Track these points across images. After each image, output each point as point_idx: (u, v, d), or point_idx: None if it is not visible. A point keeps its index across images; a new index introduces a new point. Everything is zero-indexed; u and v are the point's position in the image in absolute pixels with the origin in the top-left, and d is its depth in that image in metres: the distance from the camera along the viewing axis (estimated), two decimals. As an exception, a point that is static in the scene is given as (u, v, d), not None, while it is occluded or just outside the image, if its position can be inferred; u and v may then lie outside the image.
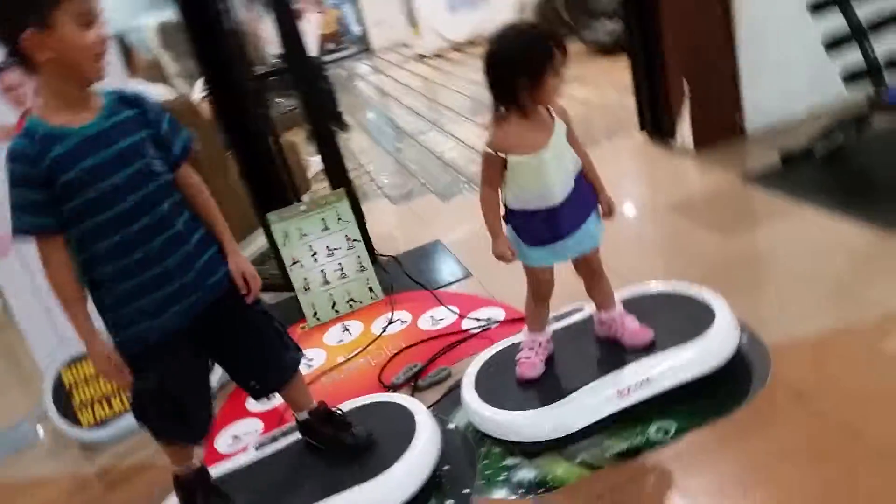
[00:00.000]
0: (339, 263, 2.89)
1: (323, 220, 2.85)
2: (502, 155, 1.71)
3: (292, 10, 3.00)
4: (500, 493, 1.75)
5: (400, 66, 9.39)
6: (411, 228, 3.77)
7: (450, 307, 2.69)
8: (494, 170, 1.74)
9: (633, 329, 1.95)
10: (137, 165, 1.46)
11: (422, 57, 9.27)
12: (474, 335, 2.46)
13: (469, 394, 1.97)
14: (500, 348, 2.12)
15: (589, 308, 2.13)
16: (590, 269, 1.94)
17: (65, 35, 1.33)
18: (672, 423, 1.79)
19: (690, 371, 1.84)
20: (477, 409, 1.91)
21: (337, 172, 3.07)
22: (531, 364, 1.94)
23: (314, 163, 5.02)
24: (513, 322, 2.44)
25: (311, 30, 5.92)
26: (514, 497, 1.73)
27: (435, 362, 2.37)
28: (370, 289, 2.94)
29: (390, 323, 2.73)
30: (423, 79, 8.28)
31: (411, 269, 3.14)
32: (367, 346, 2.62)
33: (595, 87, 5.42)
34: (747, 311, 2.07)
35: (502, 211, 1.83)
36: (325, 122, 3.12)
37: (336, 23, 9.79)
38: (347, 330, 2.77)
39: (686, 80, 3.39)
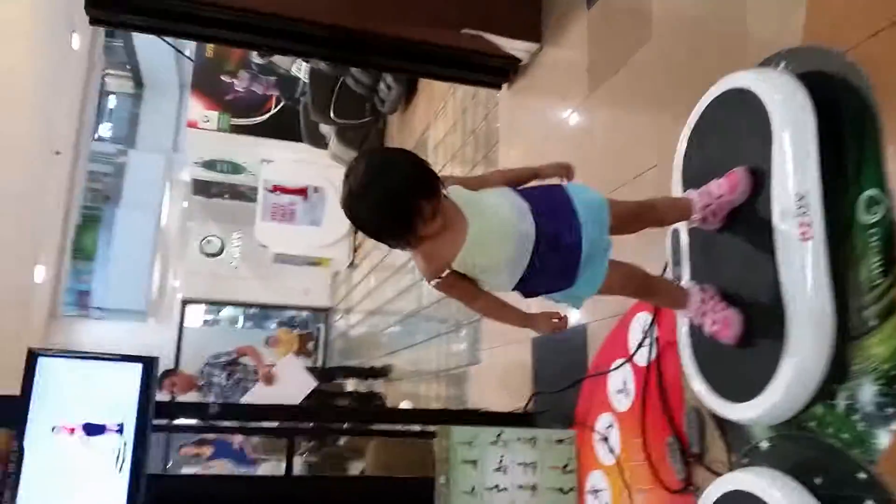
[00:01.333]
0: (517, 466, 2.51)
1: (464, 464, 2.50)
2: (447, 273, 1.42)
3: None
4: (882, 438, 1.33)
5: (353, 287, 9.31)
6: (510, 355, 3.40)
7: (614, 367, 2.30)
8: (460, 286, 1.47)
9: (725, 188, 1.57)
10: None
11: (352, 265, 9.21)
12: (658, 357, 2.06)
13: (731, 410, 1.56)
14: (688, 346, 1.72)
15: (681, 226, 1.76)
16: (631, 217, 1.59)
17: None
18: (868, 191, 1.40)
19: (809, 144, 1.45)
20: (755, 413, 1.50)
21: (419, 421, 2.74)
22: (725, 323, 1.55)
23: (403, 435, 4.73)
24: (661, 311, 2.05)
25: (293, 377, 5.35)
26: (895, 424, 1.30)
27: (674, 418, 1.96)
28: (558, 441, 2.55)
29: (606, 440, 2.32)
30: (372, 269, 8.16)
31: (553, 384, 2.76)
32: (624, 480, 2.20)
33: (434, 119, 5.23)
34: (755, 54, 1.70)
35: (513, 298, 1.52)
36: (370, 414, 2.83)
37: (297, 339, 9.70)
38: (596, 493, 2.36)
39: (470, 29, 3.16)
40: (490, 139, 3.87)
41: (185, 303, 9.99)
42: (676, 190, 1.75)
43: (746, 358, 1.52)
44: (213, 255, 9.91)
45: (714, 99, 1.71)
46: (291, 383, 4.92)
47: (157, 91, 13.27)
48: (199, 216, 10.22)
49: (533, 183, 1.60)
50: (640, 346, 2.15)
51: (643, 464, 2.09)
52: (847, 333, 1.40)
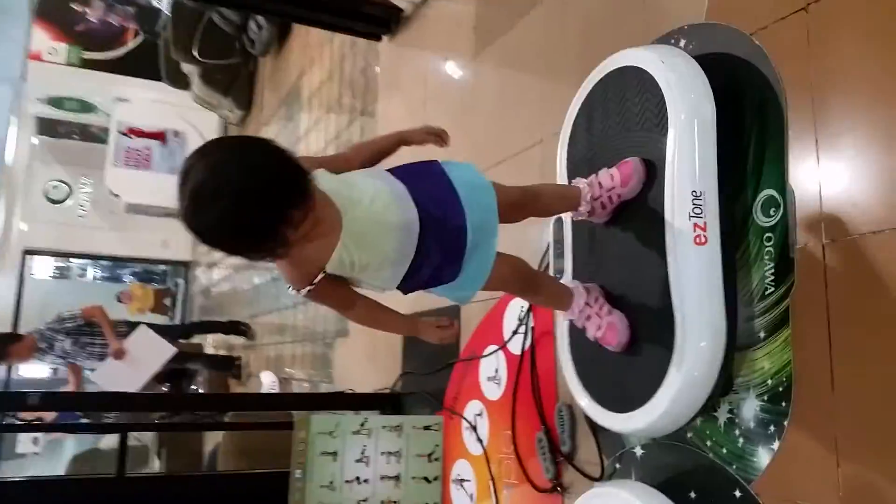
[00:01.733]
0: (381, 455, 2.34)
1: (322, 456, 2.30)
2: (320, 278, 1.19)
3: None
4: (762, 456, 1.25)
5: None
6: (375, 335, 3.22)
7: (486, 353, 2.17)
8: (334, 293, 1.26)
9: (616, 180, 1.44)
10: None
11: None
12: (531, 347, 1.94)
13: (611, 420, 1.45)
14: (566, 349, 1.59)
15: (565, 217, 1.62)
16: (515, 205, 1.42)
17: None
18: (767, 191, 1.30)
19: (708, 137, 1.33)
20: (636, 425, 1.39)
21: (277, 407, 2.51)
22: (611, 328, 1.43)
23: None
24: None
25: (146, 348, 4.82)
26: (776, 442, 1.23)
27: (545, 412, 1.85)
28: (424, 427, 2.41)
29: (474, 429, 2.20)
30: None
31: (423, 364, 2.62)
32: (490, 472, 2.09)
33: (309, 65, 4.85)
34: (654, 26, 1.55)
35: (392, 299, 1.32)
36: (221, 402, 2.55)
37: (152, 294, 8.94)
38: (462, 483, 2.24)
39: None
40: (369, 92, 3.60)
41: (26, 253, 9.02)
42: (562, 177, 1.60)
43: (630, 366, 1.41)
44: (60, 202, 8.98)
45: (604, 77, 1.56)
46: (146, 355, 4.49)
47: (2, 14, 11.70)
48: (45, 158, 9.20)
49: (402, 153, 1.40)
50: (514, 334, 2.02)
51: (511, 457, 1.98)
52: (733, 343, 1.31)
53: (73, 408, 2.57)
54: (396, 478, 2.34)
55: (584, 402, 1.51)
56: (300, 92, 5.01)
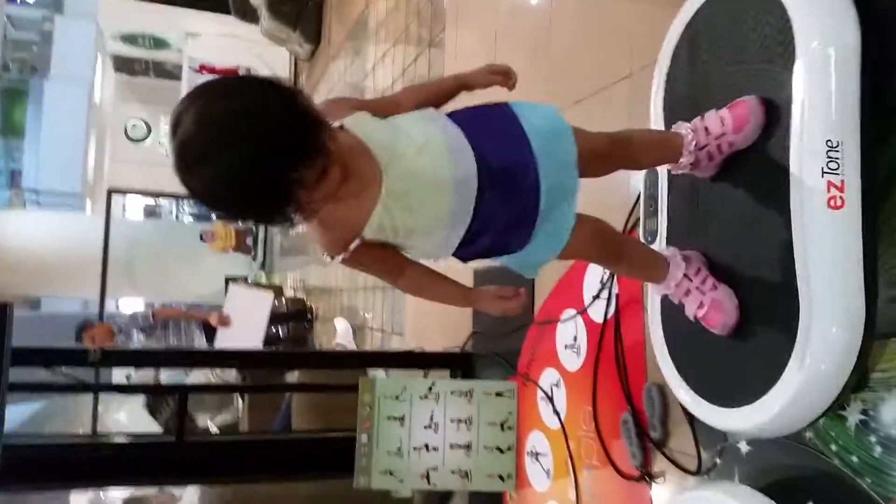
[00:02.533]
0: (450, 422, 2.20)
1: (389, 421, 2.18)
2: (357, 244, 1.02)
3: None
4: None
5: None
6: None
7: (565, 316, 1.95)
8: (377, 260, 1.07)
9: (728, 125, 1.17)
10: None
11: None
12: (616, 316, 1.72)
13: (715, 416, 1.22)
14: (659, 324, 1.36)
15: (659, 169, 1.36)
16: (601, 154, 1.18)
17: None
18: None
19: (849, 71, 1.04)
20: (748, 424, 1.16)
21: (345, 365, 2.39)
22: (715, 307, 1.18)
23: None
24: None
25: (246, 305, 4.90)
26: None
27: (632, 392, 1.64)
28: (497, 394, 2.23)
29: (551, 399, 2.01)
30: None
31: (494, 323, 2.43)
32: (568, 448, 1.91)
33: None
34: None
35: (449, 265, 1.13)
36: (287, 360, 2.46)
37: (233, 234, 8.98)
38: (537, 456, 2.07)
39: None
40: (436, 20, 3.33)
41: (111, 192, 9.28)
42: (658, 120, 1.33)
43: (738, 352, 1.17)
44: (140, 141, 9.14)
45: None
46: (248, 310, 4.56)
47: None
48: (124, 96, 9.34)
49: (462, 98, 1.17)
50: (595, 299, 1.79)
51: (592, 436, 1.79)
52: (872, 329, 1.05)
53: (134, 364, 2.58)
54: (467, 446, 2.19)
55: (681, 392, 1.28)
56: (367, 22, 4.76)
